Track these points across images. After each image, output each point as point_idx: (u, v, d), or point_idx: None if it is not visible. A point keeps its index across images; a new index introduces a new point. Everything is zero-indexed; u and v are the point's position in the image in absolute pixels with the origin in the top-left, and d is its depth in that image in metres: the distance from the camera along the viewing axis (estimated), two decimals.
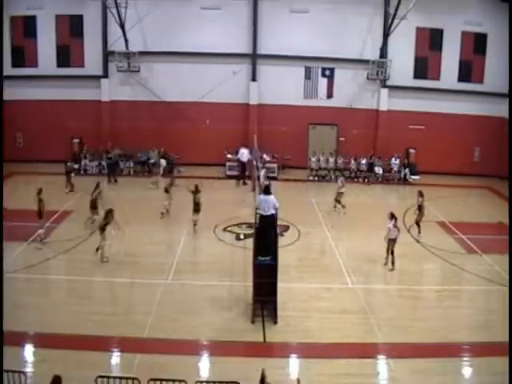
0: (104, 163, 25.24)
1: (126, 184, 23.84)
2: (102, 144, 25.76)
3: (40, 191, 16.00)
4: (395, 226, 14.59)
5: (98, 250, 14.63)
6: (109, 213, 14.68)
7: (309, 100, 26.77)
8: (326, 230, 17.99)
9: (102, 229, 14.47)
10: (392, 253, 14.66)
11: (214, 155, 25.71)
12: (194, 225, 17.26)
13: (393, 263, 14.67)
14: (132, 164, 25.95)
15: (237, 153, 25.24)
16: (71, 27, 26.07)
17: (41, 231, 15.77)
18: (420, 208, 17.46)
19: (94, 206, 17.26)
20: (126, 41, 25.46)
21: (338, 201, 19.85)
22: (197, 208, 17.11)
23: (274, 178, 24.12)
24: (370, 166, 25.97)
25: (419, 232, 17.48)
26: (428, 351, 10.59)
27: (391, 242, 14.64)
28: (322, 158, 26.15)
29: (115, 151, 25.28)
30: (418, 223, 17.57)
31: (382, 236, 16.12)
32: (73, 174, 22.65)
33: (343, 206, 19.82)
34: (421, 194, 17.48)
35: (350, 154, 26.15)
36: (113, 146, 25.42)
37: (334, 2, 25.76)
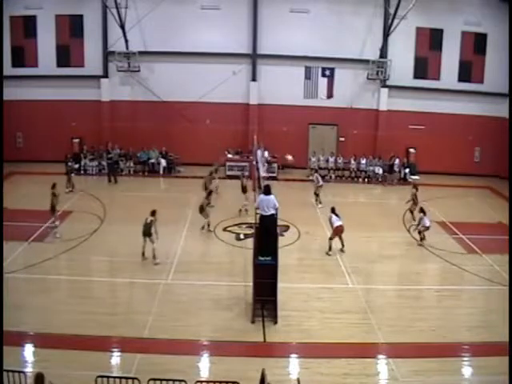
0: (104, 163, 25.23)
1: (126, 184, 23.83)
2: (103, 144, 25.78)
3: (54, 186, 16.65)
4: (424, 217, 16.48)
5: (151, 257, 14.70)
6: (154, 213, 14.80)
7: (309, 100, 26.75)
8: (326, 230, 17.97)
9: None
10: (420, 233, 16.66)
11: (214, 155, 25.68)
12: (202, 227, 17.38)
13: (421, 239, 16.66)
14: (132, 164, 25.95)
15: (248, 153, 25.35)
16: (71, 27, 26.05)
17: (55, 223, 16.21)
18: (415, 199, 19.13)
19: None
20: (126, 41, 25.45)
21: (317, 194, 20.93)
22: (200, 209, 17.24)
23: (274, 178, 24.14)
24: (391, 167, 25.54)
25: (414, 219, 18.59)
26: (428, 351, 10.59)
27: (424, 229, 16.49)
28: (322, 158, 26.20)
29: (115, 151, 25.28)
30: (412, 211, 19.05)
31: (382, 236, 16.21)
32: (73, 174, 22.66)
33: (319, 202, 20.71)
34: (415, 187, 19.63)
35: (350, 153, 26.19)
36: (113, 145, 25.42)
37: (334, 1, 25.77)
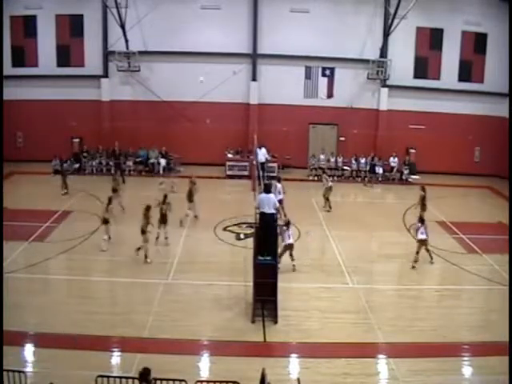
0: (104, 162, 25.17)
1: (126, 183, 23.78)
2: (106, 144, 25.79)
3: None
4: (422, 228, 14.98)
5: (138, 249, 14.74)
6: (146, 211, 14.84)
7: (309, 100, 26.75)
8: (326, 230, 17.99)
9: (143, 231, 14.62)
10: (417, 253, 14.97)
11: (214, 155, 25.73)
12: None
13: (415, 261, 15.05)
14: (132, 164, 25.94)
15: (248, 153, 25.28)
16: (71, 27, 26.03)
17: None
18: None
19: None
20: (126, 41, 25.43)
21: (326, 198, 20.38)
22: None
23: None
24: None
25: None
26: (428, 351, 10.59)
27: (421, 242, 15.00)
28: (322, 157, 26.20)
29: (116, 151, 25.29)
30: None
31: (382, 236, 16.14)
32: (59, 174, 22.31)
33: (330, 206, 20.26)
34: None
35: (351, 153, 26.19)
36: (120, 145, 25.36)
37: (334, 1, 25.78)
